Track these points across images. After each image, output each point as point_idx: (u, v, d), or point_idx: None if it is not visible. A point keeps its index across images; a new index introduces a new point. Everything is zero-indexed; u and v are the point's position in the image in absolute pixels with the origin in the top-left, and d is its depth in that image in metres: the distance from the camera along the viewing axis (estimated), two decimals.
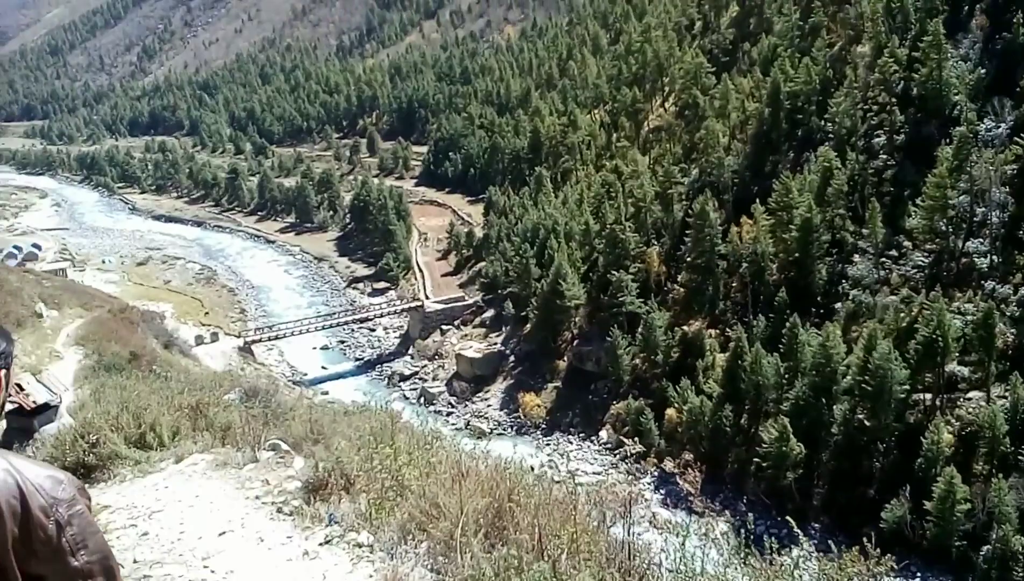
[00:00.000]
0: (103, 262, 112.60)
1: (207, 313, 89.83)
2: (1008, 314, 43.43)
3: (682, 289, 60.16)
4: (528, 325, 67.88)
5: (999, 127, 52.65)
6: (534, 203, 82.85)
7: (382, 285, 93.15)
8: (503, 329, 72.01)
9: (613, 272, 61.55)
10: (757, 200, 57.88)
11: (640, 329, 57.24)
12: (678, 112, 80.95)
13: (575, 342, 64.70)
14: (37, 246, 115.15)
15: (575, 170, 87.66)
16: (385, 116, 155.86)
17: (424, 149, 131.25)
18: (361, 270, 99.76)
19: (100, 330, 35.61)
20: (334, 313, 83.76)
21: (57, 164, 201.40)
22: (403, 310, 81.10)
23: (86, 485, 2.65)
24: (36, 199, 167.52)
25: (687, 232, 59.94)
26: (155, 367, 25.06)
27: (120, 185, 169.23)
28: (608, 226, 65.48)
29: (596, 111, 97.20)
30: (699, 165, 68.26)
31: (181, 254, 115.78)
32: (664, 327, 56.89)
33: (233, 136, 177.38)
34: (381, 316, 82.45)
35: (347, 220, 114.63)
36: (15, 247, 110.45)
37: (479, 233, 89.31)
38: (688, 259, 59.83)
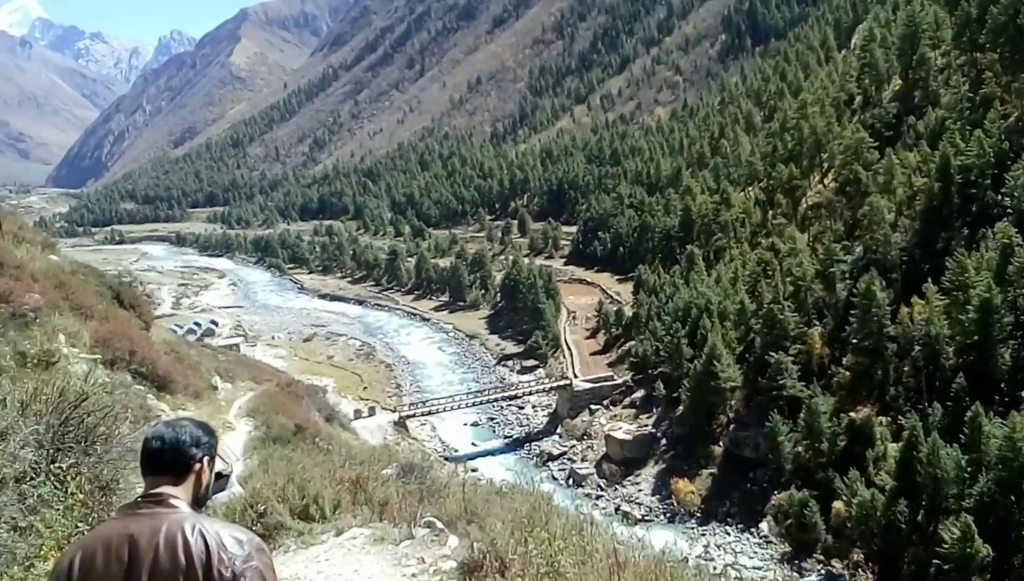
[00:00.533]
0: (273, 338, 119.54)
1: (365, 388, 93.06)
2: None
3: (848, 373, 56.71)
4: (680, 407, 65.82)
5: None
6: (685, 281, 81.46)
7: (531, 363, 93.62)
8: (654, 410, 70.22)
9: (771, 353, 58.99)
10: (929, 279, 54.38)
11: (802, 414, 54.23)
12: (838, 188, 78.00)
13: (731, 426, 62.06)
14: (215, 322, 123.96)
15: (728, 248, 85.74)
16: (536, 198, 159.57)
17: (573, 229, 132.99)
18: (511, 348, 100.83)
19: (268, 403, 37.35)
20: (484, 390, 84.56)
21: (235, 246, 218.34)
22: (551, 388, 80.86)
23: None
24: (215, 279, 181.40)
25: (852, 312, 56.89)
26: (318, 440, 25.88)
27: (290, 266, 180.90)
28: (765, 305, 63.20)
29: (750, 188, 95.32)
30: (863, 242, 65.09)
31: (343, 331, 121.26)
32: (829, 413, 53.63)
33: (393, 219, 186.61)
34: (530, 394, 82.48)
35: (498, 299, 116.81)
36: (195, 323, 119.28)
37: (628, 312, 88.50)
38: (854, 341, 56.51)
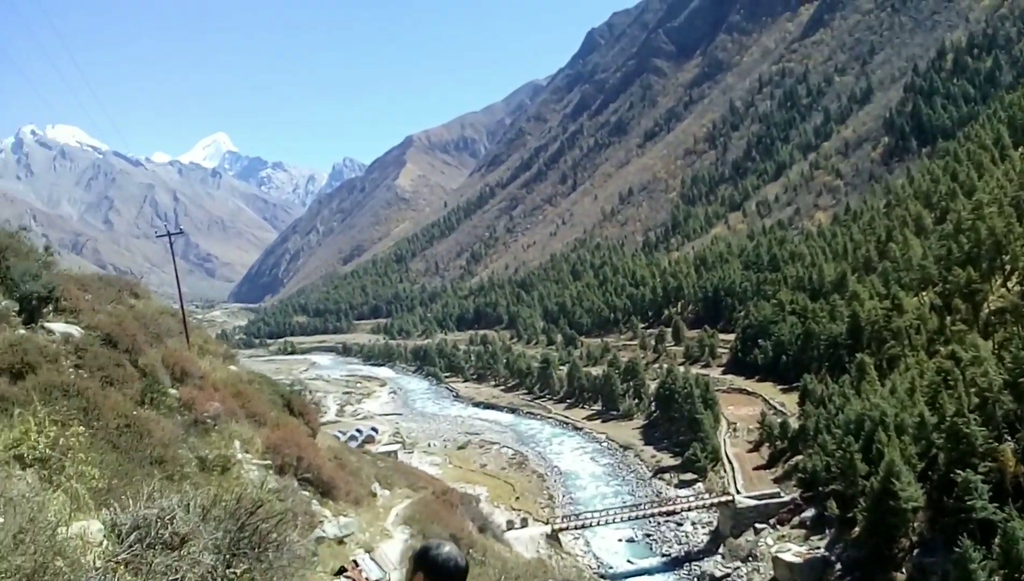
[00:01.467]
0: (428, 445, 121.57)
1: (518, 497, 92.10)
2: None
3: None
4: (856, 528, 60.67)
5: None
6: (856, 392, 76.45)
7: (689, 476, 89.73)
8: (826, 531, 65.10)
9: (957, 471, 53.66)
10: None
11: (997, 540, 48.54)
12: (1023, 292, 72.08)
13: (915, 551, 56.33)
14: (375, 429, 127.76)
15: (903, 356, 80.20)
16: (690, 305, 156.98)
17: (731, 337, 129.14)
18: (667, 460, 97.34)
19: (424, 511, 37.46)
20: (640, 504, 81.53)
21: (396, 356, 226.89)
22: (712, 504, 76.88)
23: None
24: (377, 387, 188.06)
25: None
26: (472, 551, 25.48)
27: (446, 374, 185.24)
28: (948, 418, 58.03)
29: (924, 293, 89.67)
30: None
31: (496, 439, 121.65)
32: None
33: (546, 328, 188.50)
34: (688, 510, 78.71)
35: (652, 408, 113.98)
36: (357, 430, 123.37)
37: (794, 424, 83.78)
38: None
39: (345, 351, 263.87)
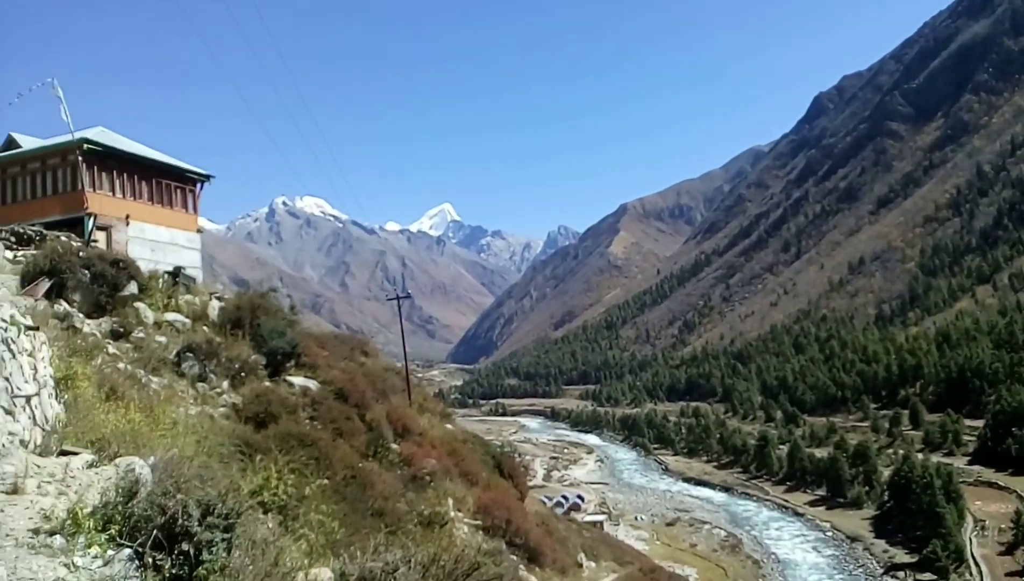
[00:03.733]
0: (636, 518, 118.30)
1: None
2: None
3: None
4: None
5: None
6: None
7: (927, 577, 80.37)
8: None
9: None
10: None
11: None
12: None
13: None
14: (581, 497, 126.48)
15: None
16: (930, 386, 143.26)
17: (979, 423, 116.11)
18: (901, 556, 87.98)
19: None
20: None
21: (603, 423, 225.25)
22: None
23: None
24: (584, 454, 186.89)
25: None
26: None
27: (655, 446, 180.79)
28: None
29: None
30: None
31: (707, 518, 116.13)
32: None
33: (764, 403, 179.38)
34: None
35: (884, 497, 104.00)
36: (563, 496, 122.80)
37: None
38: None
39: (553, 415, 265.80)
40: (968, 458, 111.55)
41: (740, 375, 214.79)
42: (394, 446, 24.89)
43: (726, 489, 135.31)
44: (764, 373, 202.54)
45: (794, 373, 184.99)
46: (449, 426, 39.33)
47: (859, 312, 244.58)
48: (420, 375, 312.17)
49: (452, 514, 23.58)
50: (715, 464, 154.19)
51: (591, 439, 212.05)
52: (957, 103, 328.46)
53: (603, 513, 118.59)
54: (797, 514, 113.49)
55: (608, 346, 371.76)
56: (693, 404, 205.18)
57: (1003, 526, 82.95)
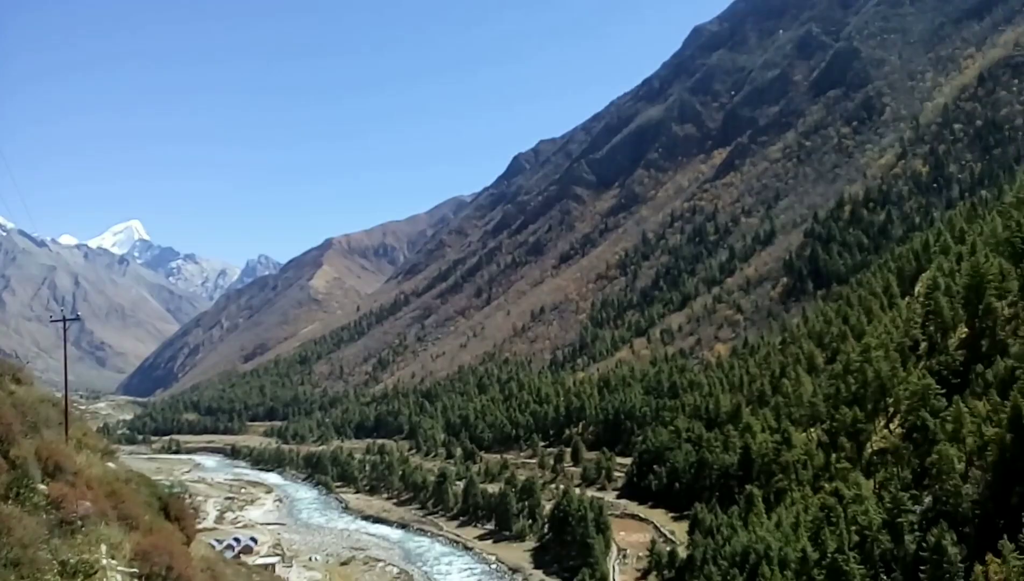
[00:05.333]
0: (310, 559, 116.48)
1: None
2: None
3: None
4: None
5: None
6: (744, 524, 77.73)
7: None
8: None
9: None
10: (1005, 535, 50.79)
11: None
12: (905, 434, 75.60)
13: None
14: (254, 539, 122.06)
15: (790, 491, 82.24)
16: (591, 426, 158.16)
17: (628, 460, 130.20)
18: None
19: None
20: None
21: (287, 461, 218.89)
22: None
23: None
24: (262, 494, 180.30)
25: (922, 568, 53.08)
26: None
27: (338, 484, 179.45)
28: (829, 555, 59.53)
29: (812, 430, 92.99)
30: (932, 492, 61.85)
31: (382, 556, 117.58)
32: None
33: (446, 441, 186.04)
34: None
35: (545, 530, 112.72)
36: (235, 539, 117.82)
37: (682, 553, 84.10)
38: None
39: (234, 453, 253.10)
40: (617, 492, 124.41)
41: (427, 413, 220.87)
42: (42, 487, 22.96)
43: (403, 526, 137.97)
44: (449, 411, 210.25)
45: (476, 412, 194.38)
46: (111, 464, 36.66)
47: (537, 356, 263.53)
48: (83, 407, 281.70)
49: (104, 562, 22.24)
50: (395, 501, 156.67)
51: (272, 478, 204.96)
52: (631, 176, 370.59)
53: (277, 555, 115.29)
54: (467, 548, 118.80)
55: (300, 381, 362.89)
56: (380, 441, 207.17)
57: (640, 554, 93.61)
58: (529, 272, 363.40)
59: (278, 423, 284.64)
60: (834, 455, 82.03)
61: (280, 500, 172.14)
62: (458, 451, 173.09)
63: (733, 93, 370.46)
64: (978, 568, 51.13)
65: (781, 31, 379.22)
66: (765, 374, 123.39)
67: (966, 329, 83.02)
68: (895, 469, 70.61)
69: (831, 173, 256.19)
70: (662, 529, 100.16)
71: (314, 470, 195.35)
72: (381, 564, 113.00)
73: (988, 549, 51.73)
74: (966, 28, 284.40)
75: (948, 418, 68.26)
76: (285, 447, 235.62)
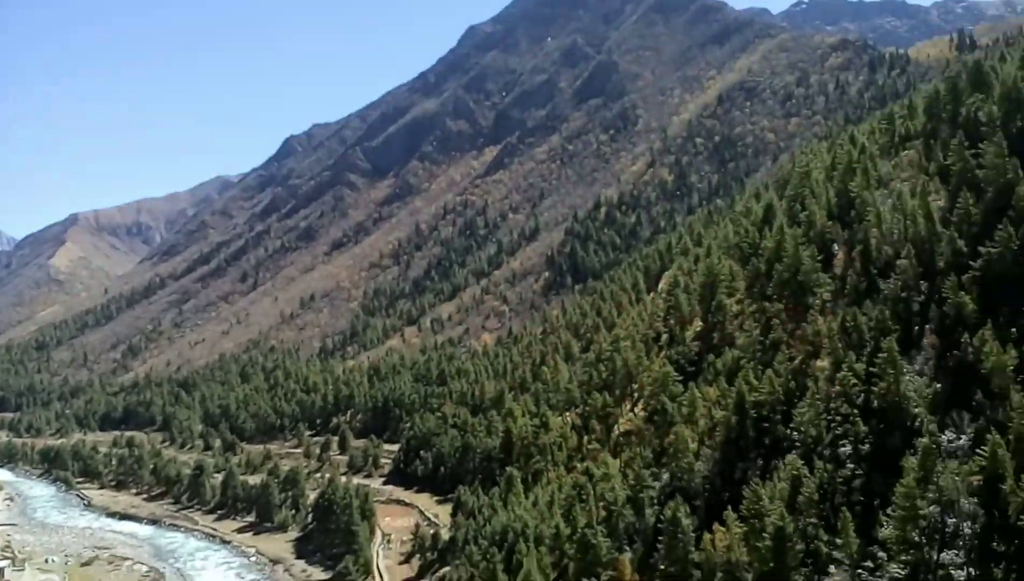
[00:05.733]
0: (46, 561, 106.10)
1: None
2: None
3: None
4: None
5: (960, 439, 53.46)
6: (504, 504, 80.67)
7: None
8: None
9: (584, 579, 58.37)
10: (729, 507, 56.62)
11: None
12: (647, 417, 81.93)
13: None
14: None
15: (546, 471, 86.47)
16: (360, 414, 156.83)
17: (396, 447, 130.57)
18: (318, 574, 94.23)
19: None
20: None
21: (19, 456, 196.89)
22: None
23: None
24: None
25: (659, 538, 57.85)
26: None
27: (80, 480, 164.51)
28: (579, 530, 63.26)
29: (567, 414, 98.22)
30: (670, 469, 67.64)
31: (130, 554, 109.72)
32: None
33: (204, 432, 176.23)
34: None
35: (309, 520, 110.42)
36: None
37: (445, 535, 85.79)
38: (661, 567, 57.04)
39: None
40: (384, 479, 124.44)
41: (183, 403, 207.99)
42: None
43: (154, 522, 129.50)
44: (208, 401, 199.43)
45: (238, 401, 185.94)
46: None
47: (306, 344, 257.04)
48: None
49: None
50: (145, 496, 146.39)
51: (2, 475, 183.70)
52: (406, 166, 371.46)
53: (6, 557, 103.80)
54: (225, 542, 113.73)
55: (37, 369, 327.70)
56: (129, 433, 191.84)
57: (404, 538, 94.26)
58: (299, 258, 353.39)
59: (9, 415, 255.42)
60: (586, 437, 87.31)
61: (11, 499, 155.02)
62: (217, 442, 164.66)
63: (504, 94, 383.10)
64: (707, 536, 56.65)
65: (550, 38, 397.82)
66: (527, 362, 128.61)
67: (701, 323, 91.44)
68: (638, 449, 76.38)
69: (590, 176, 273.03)
70: (427, 513, 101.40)
71: (52, 465, 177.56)
72: (128, 563, 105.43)
73: (716, 519, 57.48)
74: (709, 52, 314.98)
75: (684, 402, 74.97)
76: (18, 440, 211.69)
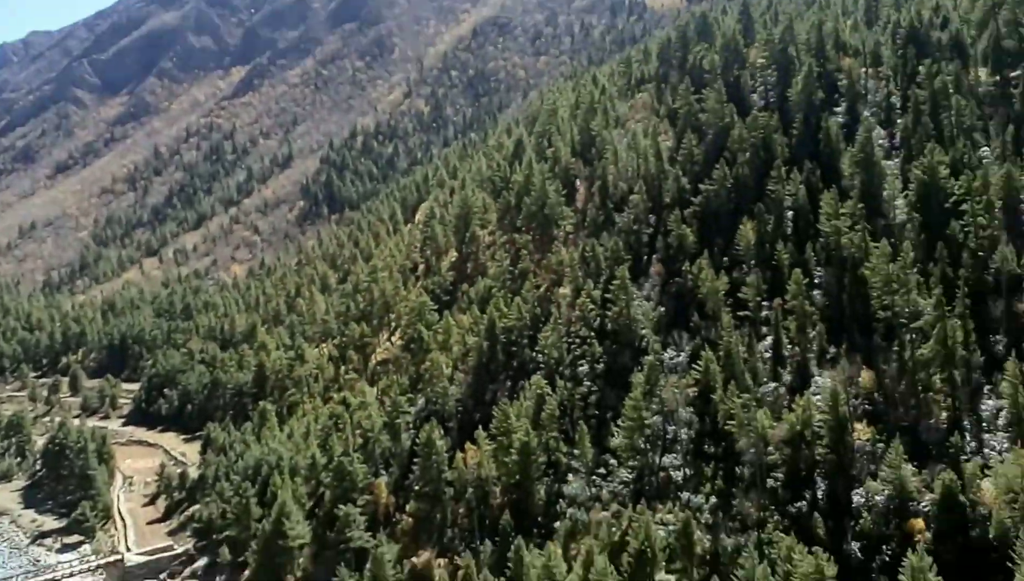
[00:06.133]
0: None
1: None
2: (703, 522, 47.39)
3: (410, 519, 59.05)
4: (247, 571, 62.43)
5: (679, 355, 60.29)
6: (257, 438, 79.28)
7: (76, 539, 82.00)
8: (217, 579, 65.55)
9: (340, 506, 59.44)
10: (480, 427, 59.93)
11: (369, 565, 54.72)
12: (404, 345, 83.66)
13: None
14: None
15: (302, 403, 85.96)
16: (93, 353, 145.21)
17: (137, 386, 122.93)
18: (51, 523, 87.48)
19: None
20: (10, 577, 71.69)
21: None
22: (98, 566, 71.31)
23: None
24: None
25: (415, 460, 60.04)
26: None
27: None
28: (336, 458, 63.93)
29: (324, 345, 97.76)
30: (425, 395, 70.00)
31: None
32: (393, 560, 54.92)
33: None
34: (71, 576, 71.61)
35: (38, 467, 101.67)
36: None
37: (194, 473, 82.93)
38: (416, 488, 59.40)
39: None
40: (124, 419, 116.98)
41: None
42: None
43: None
44: None
45: None
46: None
47: (27, 278, 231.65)
48: None
49: None
50: None
51: None
52: (142, 84, 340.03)
53: None
54: None
55: None
56: None
57: (148, 480, 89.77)
58: (17, 182, 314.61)
59: None
60: (343, 367, 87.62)
61: None
62: None
63: (253, 11, 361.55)
64: (459, 456, 59.72)
65: None
66: (281, 294, 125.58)
67: (456, 253, 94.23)
68: (395, 377, 78.13)
69: (346, 103, 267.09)
70: (173, 452, 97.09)
71: None
72: None
73: (468, 439, 60.66)
74: None
75: (439, 330, 77.45)
76: None
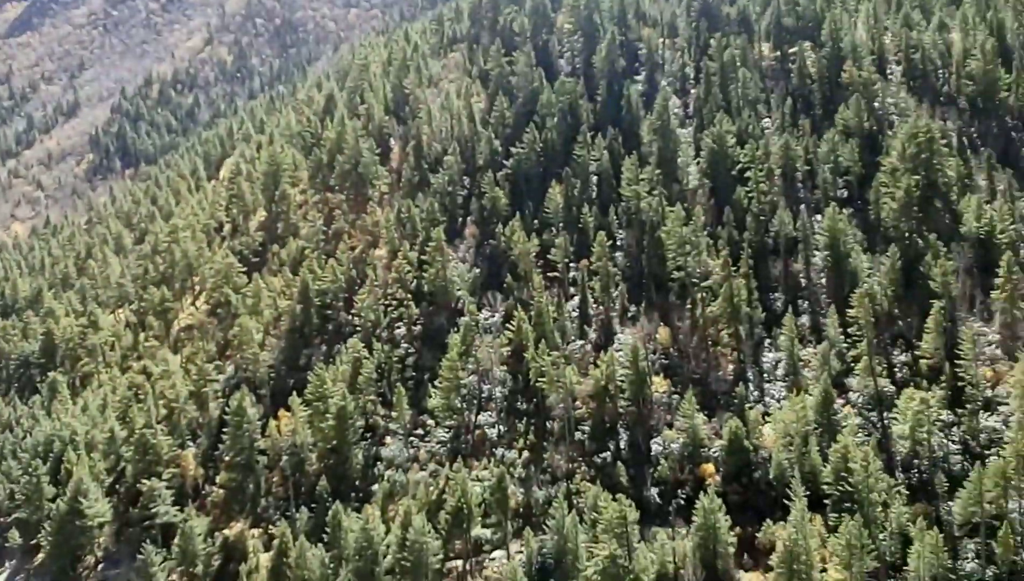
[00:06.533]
0: None
1: None
2: (516, 476, 49.61)
3: (222, 490, 57.39)
4: (40, 554, 58.43)
5: (494, 316, 62.13)
6: (47, 413, 73.62)
7: None
8: (6, 564, 60.95)
9: (144, 481, 56.76)
10: (295, 392, 58.94)
11: (177, 540, 52.85)
12: (210, 310, 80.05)
13: (100, 566, 57.18)
14: None
15: (97, 373, 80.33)
16: None
17: None
18: None
19: None
20: None
21: None
22: None
23: None
24: None
25: (224, 430, 58.20)
26: None
27: None
28: (137, 431, 60.72)
29: (120, 311, 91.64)
30: (235, 361, 67.75)
31: None
32: (204, 534, 53.34)
33: None
34: None
35: None
36: None
37: None
38: (227, 458, 57.73)
39: None
40: None
41: None
42: None
43: None
44: None
45: None
46: None
47: None
48: None
49: None
50: None
51: None
52: None
53: None
54: None
55: None
56: None
57: None
58: None
59: None
60: (143, 334, 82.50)
61: None
62: None
63: None
64: (273, 424, 58.56)
65: None
66: (70, 255, 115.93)
67: (264, 213, 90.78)
68: (201, 343, 74.74)
69: (139, 48, 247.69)
70: None
71: None
72: None
73: (282, 406, 59.52)
74: None
75: (249, 294, 74.72)
76: None
